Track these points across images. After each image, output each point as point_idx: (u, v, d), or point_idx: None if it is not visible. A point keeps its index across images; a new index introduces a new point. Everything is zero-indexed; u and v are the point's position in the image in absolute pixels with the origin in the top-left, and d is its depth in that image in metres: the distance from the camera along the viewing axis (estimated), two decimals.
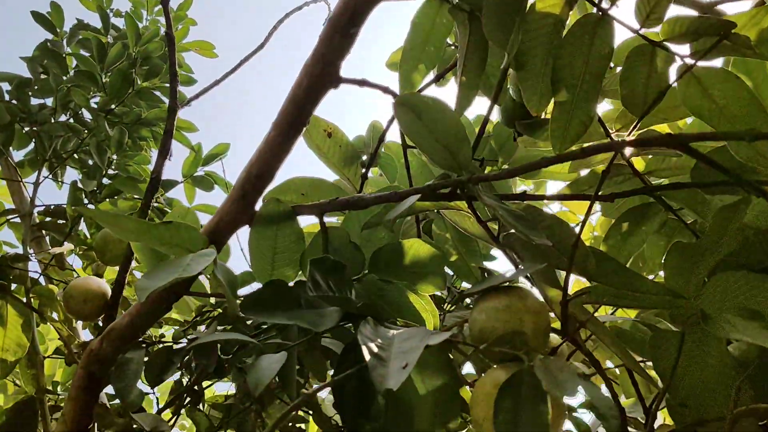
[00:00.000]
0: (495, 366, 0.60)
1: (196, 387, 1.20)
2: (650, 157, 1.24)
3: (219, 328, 1.05)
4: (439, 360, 0.71)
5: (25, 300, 1.31)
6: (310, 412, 1.05)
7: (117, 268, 1.34)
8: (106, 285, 1.22)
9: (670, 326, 1.00)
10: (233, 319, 0.97)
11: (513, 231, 0.95)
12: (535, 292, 0.83)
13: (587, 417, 1.47)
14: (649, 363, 1.10)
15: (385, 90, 0.96)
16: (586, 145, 1.02)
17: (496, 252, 1.73)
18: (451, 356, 0.76)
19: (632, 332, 1.19)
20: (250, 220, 0.94)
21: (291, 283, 0.76)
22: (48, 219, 1.67)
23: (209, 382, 1.38)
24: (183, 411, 1.53)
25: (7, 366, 1.33)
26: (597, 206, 1.70)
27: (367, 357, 0.58)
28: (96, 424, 1.36)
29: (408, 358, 0.58)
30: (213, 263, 0.77)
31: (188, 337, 1.04)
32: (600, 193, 0.94)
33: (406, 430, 0.68)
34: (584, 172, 1.32)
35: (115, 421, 1.06)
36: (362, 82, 0.94)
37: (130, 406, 1.04)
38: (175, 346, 1.00)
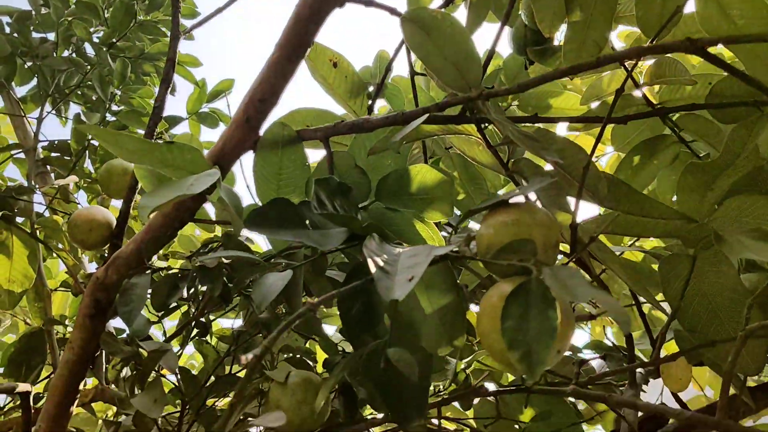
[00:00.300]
0: (501, 280, 0.59)
1: (203, 319, 1.21)
2: (664, 87, 1.21)
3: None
4: (446, 280, 0.70)
5: (30, 231, 1.31)
6: (317, 339, 1.05)
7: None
8: (111, 215, 1.21)
9: None
10: (237, 246, 0.96)
11: (523, 157, 0.93)
12: None
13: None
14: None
15: (392, 11, 0.92)
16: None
17: (503, 192, 1.71)
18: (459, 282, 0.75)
19: (642, 265, 1.19)
20: (254, 145, 0.92)
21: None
22: (52, 154, 1.65)
23: (216, 315, 1.39)
24: (191, 345, 1.55)
25: (14, 297, 1.33)
26: (608, 149, 1.67)
27: (373, 269, 0.57)
28: (103, 352, 1.37)
29: (414, 271, 0.57)
30: (217, 183, 0.76)
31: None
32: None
33: (412, 347, 0.67)
34: (595, 105, 1.30)
35: (122, 349, 1.06)
36: (368, 2, 0.91)
37: (136, 333, 1.04)
38: (181, 274, 0.99)
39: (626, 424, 0.79)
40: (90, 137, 1.67)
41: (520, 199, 0.68)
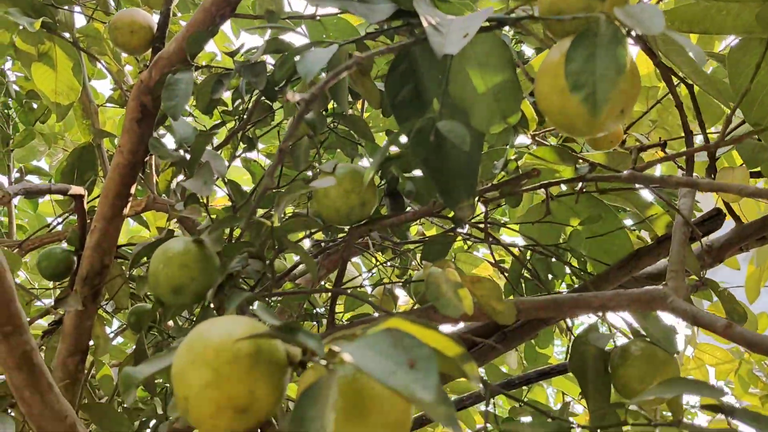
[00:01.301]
0: (563, 39, 0.55)
1: (249, 135, 1.20)
2: None
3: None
4: (501, 56, 0.66)
5: (72, 41, 1.29)
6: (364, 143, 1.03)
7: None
8: (152, 18, 1.18)
9: None
10: (280, 42, 0.93)
11: None
12: None
13: None
14: None
15: None
16: None
17: None
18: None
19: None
20: None
21: None
22: None
23: (261, 132, 1.39)
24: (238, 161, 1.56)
25: (62, 109, 1.34)
26: None
27: (425, 24, 0.53)
28: (153, 165, 1.39)
29: (469, 29, 0.54)
30: None
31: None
32: None
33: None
34: None
35: (171, 153, 1.07)
36: None
37: (183, 140, 1.03)
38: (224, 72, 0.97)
39: (680, 218, 0.77)
40: None
41: None
